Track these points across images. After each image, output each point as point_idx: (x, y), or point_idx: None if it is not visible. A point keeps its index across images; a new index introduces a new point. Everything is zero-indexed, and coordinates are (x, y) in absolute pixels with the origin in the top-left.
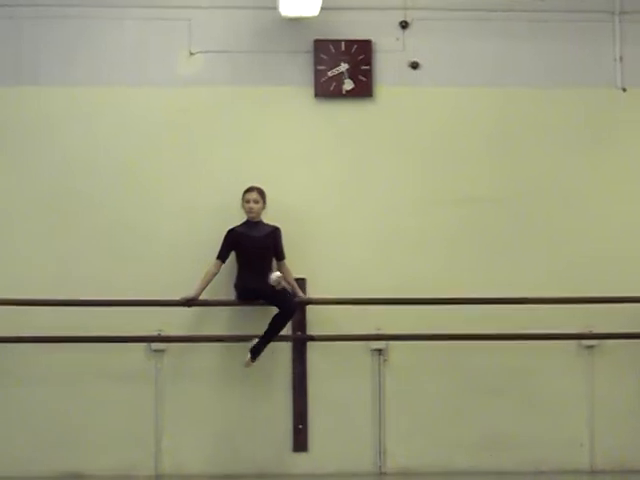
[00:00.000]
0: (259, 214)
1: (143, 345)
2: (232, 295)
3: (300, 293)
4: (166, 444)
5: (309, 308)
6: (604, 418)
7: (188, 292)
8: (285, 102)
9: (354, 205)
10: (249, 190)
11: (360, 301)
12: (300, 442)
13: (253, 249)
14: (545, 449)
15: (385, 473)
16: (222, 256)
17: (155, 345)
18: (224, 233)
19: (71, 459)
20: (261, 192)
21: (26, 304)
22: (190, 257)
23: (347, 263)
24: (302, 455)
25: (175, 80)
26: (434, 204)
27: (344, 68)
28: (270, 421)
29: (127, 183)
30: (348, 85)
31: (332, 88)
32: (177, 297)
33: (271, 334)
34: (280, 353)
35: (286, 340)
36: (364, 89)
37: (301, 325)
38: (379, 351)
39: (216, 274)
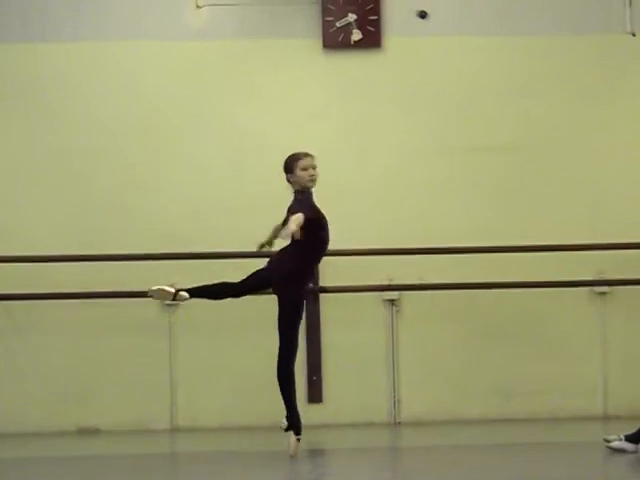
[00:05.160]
0: None
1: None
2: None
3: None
4: (181, 398)
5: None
6: (617, 365)
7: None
8: (293, 54)
9: (364, 156)
10: (306, 155)
11: (372, 252)
12: (314, 393)
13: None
14: (558, 396)
15: (400, 423)
16: None
17: None
18: (232, 185)
19: (87, 415)
20: None
21: (45, 260)
22: (202, 211)
23: (358, 214)
24: (317, 406)
25: (182, 34)
26: (444, 154)
27: (352, 19)
28: None
29: (136, 139)
30: (356, 36)
31: (340, 39)
32: (189, 251)
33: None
34: None
35: None
36: (373, 39)
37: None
38: (392, 301)
39: None
